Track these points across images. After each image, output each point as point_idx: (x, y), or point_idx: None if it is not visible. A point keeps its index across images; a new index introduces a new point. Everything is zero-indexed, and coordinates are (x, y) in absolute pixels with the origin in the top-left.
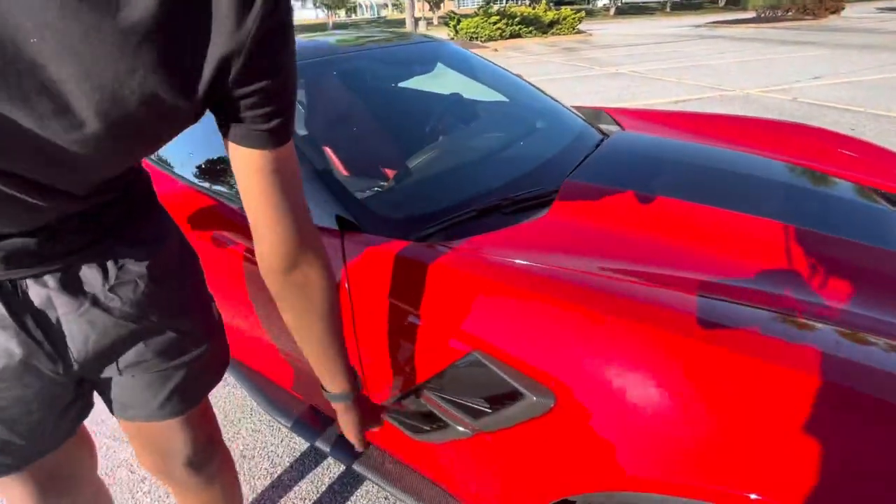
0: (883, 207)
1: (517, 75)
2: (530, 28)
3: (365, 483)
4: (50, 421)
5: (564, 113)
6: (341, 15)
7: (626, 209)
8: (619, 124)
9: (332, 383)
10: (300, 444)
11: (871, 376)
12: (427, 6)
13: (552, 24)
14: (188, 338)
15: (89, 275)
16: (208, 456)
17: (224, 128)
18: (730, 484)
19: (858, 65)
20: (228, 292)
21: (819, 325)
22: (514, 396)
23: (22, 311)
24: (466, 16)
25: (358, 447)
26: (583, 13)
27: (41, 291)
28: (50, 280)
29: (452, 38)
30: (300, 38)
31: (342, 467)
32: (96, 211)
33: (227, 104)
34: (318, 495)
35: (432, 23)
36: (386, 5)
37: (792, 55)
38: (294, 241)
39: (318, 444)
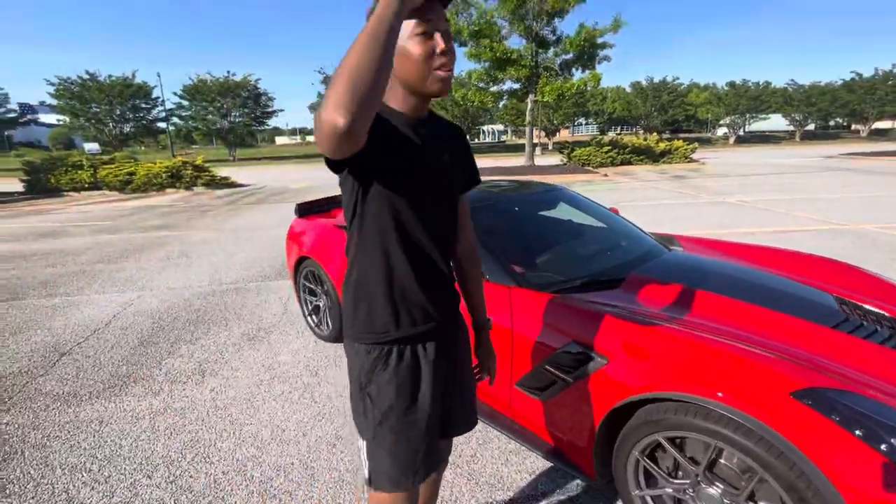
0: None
1: (613, 209)
2: (641, 157)
3: (498, 437)
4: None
5: (641, 236)
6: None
7: (662, 290)
8: (681, 246)
9: (480, 316)
10: None
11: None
12: (543, 133)
13: (663, 153)
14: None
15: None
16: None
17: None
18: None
19: None
20: None
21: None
22: (588, 360)
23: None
24: (580, 143)
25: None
26: (696, 144)
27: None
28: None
29: (565, 163)
30: (482, 190)
31: (478, 430)
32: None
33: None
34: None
35: (547, 148)
36: (506, 132)
37: None
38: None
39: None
